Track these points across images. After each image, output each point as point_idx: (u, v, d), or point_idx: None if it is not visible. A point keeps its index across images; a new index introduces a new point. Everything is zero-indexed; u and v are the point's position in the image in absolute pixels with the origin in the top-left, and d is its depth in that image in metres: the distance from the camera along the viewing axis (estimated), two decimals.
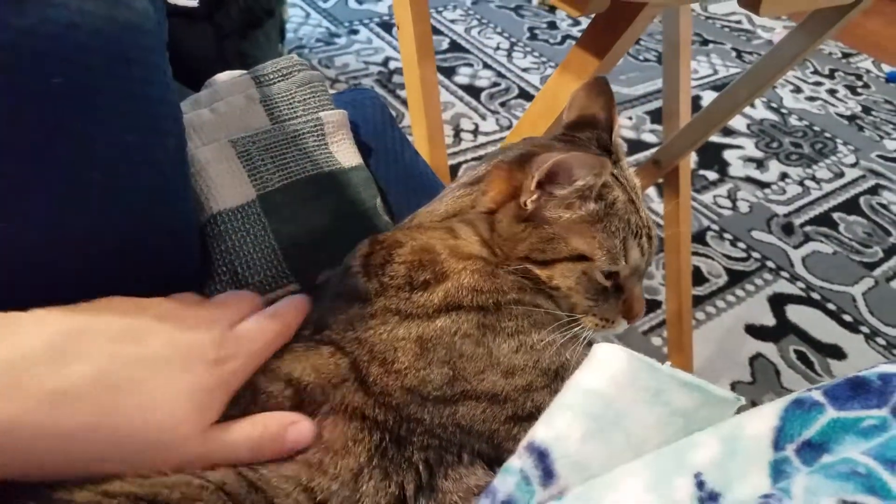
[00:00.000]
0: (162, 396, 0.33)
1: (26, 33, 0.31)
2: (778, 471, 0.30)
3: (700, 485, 0.31)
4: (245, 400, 0.37)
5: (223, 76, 0.57)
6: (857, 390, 0.31)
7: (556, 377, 0.42)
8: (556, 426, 0.38)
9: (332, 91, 0.60)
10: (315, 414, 0.38)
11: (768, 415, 0.32)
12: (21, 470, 0.29)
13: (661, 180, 1.03)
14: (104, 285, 0.36)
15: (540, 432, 0.38)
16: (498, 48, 2.08)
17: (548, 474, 0.37)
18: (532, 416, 0.40)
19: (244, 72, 0.58)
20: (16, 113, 0.32)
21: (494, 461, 0.40)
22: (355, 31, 2.04)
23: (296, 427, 0.36)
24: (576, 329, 0.45)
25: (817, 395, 0.32)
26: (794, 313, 1.37)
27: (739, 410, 0.41)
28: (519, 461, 0.38)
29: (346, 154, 0.55)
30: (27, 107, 0.32)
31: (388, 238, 0.46)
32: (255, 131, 0.54)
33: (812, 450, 0.30)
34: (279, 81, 0.57)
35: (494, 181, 0.47)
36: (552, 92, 0.63)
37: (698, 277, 1.41)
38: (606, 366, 0.40)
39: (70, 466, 0.30)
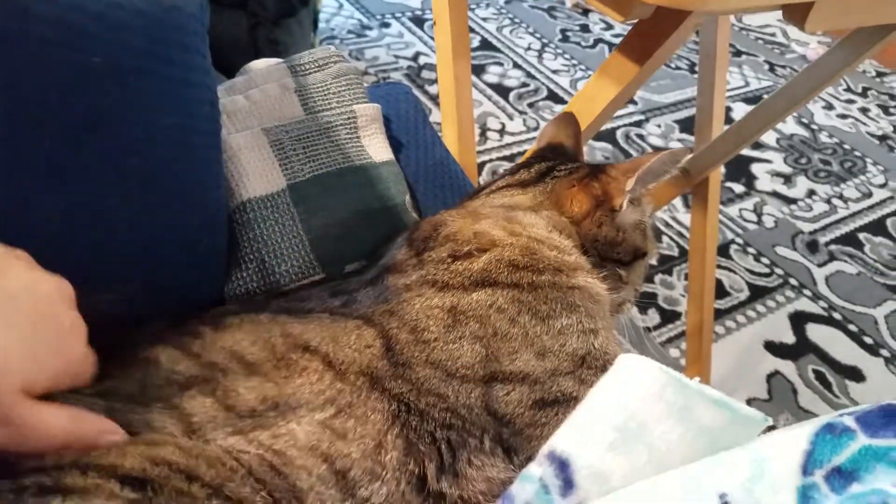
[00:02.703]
0: None
1: (71, 8, 0.31)
2: (806, 496, 0.30)
3: None
4: (268, 365, 0.37)
5: (259, 63, 0.57)
6: (890, 418, 0.31)
7: (583, 364, 0.42)
8: (578, 436, 0.38)
9: (365, 84, 0.60)
10: (339, 379, 0.37)
11: (798, 438, 0.32)
12: None
13: (688, 191, 1.02)
14: (136, 267, 0.36)
15: (562, 441, 0.38)
16: (529, 48, 2.07)
17: (568, 484, 0.37)
18: (557, 402, 0.40)
19: (280, 60, 0.58)
20: (55, 91, 0.32)
21: (513, 451, 0.40)
22: (387, 25, 2.03)
23: (109, 439, 0.33)
24: (617, 315, 0.49)
25: (849, 421, 0.31)
26: (815, 332, 1.35)
27: (766, 430, 0.41)
28: (539, 469, 0.38)
29: (377, 148, 0.55)
30: (66, 86, 0.32)
31: (434, 217, 0.47)
32: (289, 121, 0.54)
33: (841, 477, 0.30)
34: (315, 72, 0.56)
35: (578, 195, 0.52)
36: (588, 95, 0.62)
37: (720, 291, 1.39)
38: (633, 377, 0.39)
39: None
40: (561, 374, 0.41)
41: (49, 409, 0.31)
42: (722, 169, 1.68)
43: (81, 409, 0.33)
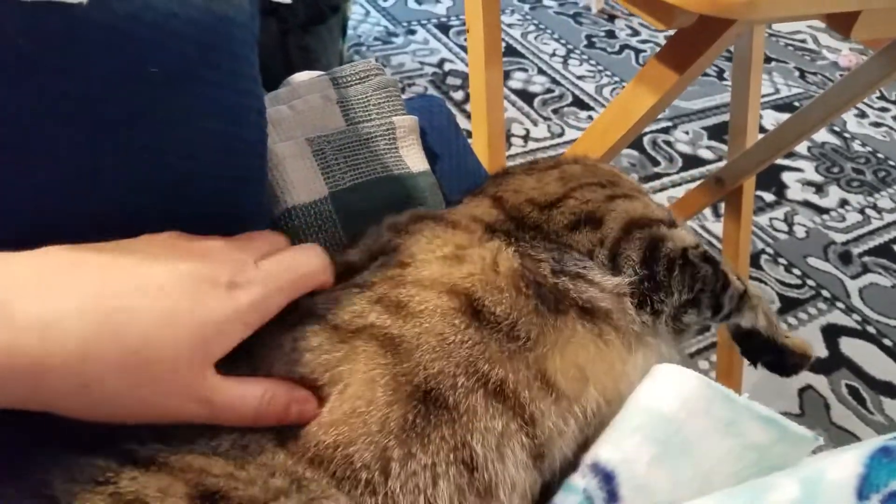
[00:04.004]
0: (158, 324, 0.30)
1: (129, 18, 0.31)
2: None
3: None
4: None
5: (301, 76, 0.58)
6: None
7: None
8: (623, 448, 0.37)
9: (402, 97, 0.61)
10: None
11: (852, 461, 0.31)
12: (39, 404, 0.29)
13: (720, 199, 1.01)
14: None
15: (606, 452, 0.37)
16: (554, 54, 2.06)
17: (612, 497, 0.36)
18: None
19: (322, 73, 0.58)
20: (103, 96, 0.32)
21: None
22: (413, 32, 2.04)
23: (300, 407, 0.34)
24: None
25: None
26: (848, 346, 1.32)
27: (816, 451, 0.40)
28: (583, 480, 0.37)
29: (414, 159, 0.55)
30: (114, 89, 0.33)
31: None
32: (331, 131, 0.55)
33: None
34: (356, 84, 0.57)
35: None
36: (625, 102, 0.61)
37: None
38: (677, 389, 0.39)
39: (78, 402, 0.29)
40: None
41: (244, 385, 0.32)
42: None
43: (274, 380, 0.34)
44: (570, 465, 0.38)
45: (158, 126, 0.34)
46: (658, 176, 1.66)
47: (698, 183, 1.23)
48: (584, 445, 0.39)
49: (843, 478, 0.30)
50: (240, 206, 0.42)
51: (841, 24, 0.55)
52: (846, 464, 0.31)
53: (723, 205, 1.05)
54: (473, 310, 0.38)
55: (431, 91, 1.80)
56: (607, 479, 0.36)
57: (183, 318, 0.31)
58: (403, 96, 0.61)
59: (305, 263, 0.38)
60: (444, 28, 2.08)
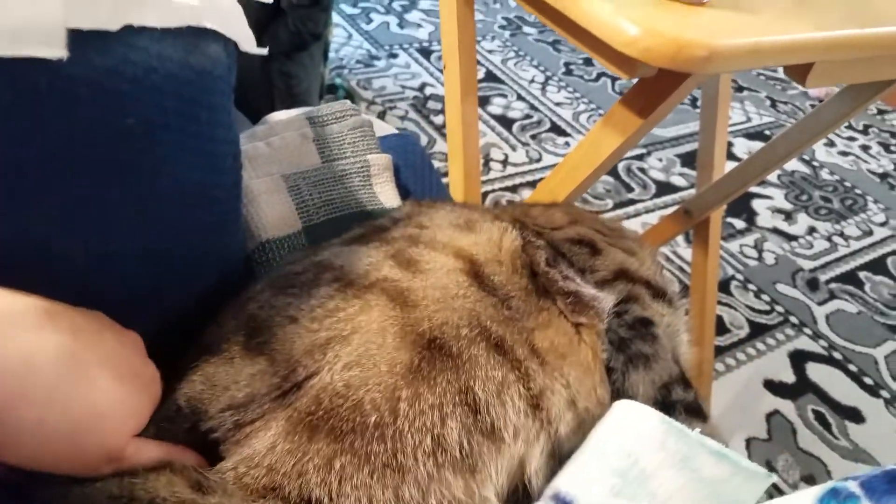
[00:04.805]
0: (95, 392, 0.32)
1: (108, 73, 0.33)
2: None
3: None
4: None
5: (279, 115, 0.60)
6: (893, 483, 0.31)
7: None
8: (582, 478, 0.39)
9: (379, 134, 0.63)
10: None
11: (804, 501, 0.33)
12: None
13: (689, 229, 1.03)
14: (147, 306, 0.37)
15: (566, 484, 0.39)
16: (533, 81, 2.10)
17: None
18: None
19: (300, 111, 0.60)
20: (82, 146, 0.33)
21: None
22: (395, 55, 2.07)
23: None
24: None
25: (853, 486, 0.32)
26: (815, 371, 1.36)
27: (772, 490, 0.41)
28: None
29: (388, 195, 0.57)
30: (96, 142, 0.34)
31: None
32: (307, 168, 0.57)
33: None
34: (332, 123, 0.59)
35: None
36: (593, 141, 0.64)
37: (720, 327, 1.40)
38: (634, 425, 0.40)
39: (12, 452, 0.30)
40: None
41: (149, 446, 0.35)
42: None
43: (170, 444, 0.36)
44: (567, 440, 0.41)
45: (137, 177, 0.35)
46: (632, 202, 1.69)
47: (671, 210, 1.26)
48: (578, 427, 0.42)
49: None
50: (215, 245, 0.43)
51: (797, 73, 0.58)
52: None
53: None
54: (475, 273, 0.42)
55: (412, 114, 1.82)
56: None
57: (117, 391, 0.33)
58: (384, 124, 0.63)
59: None
60: (426, 52, 2.11)
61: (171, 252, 0.39)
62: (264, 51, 0.40)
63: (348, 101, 0.62)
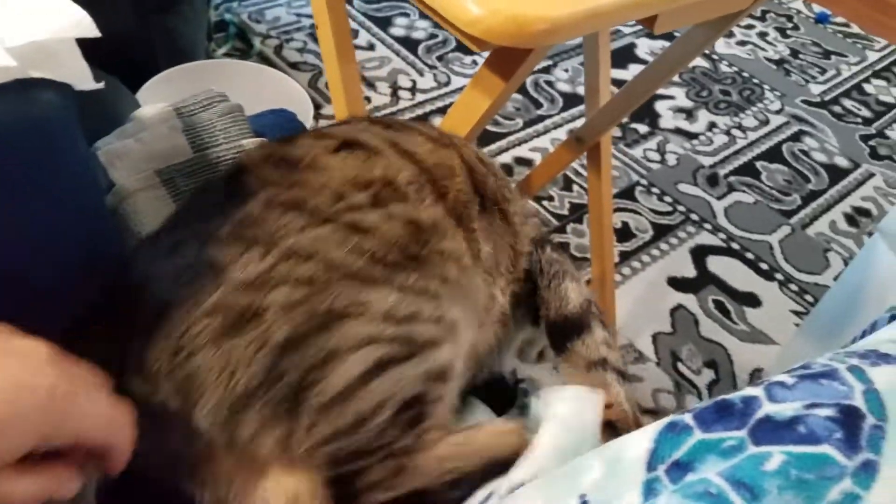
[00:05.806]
0: None
1: None
2: (649, 489, 0.32)
3: None
4: None
5: (146, 110, 0.60)
6: (721, 413, 0.34)
7: None
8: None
9: (253, 112, 0.63)
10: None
11: (644, 437, 0.35)
12: None
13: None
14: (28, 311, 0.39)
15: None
16: None
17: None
18: None
19: (167, 104, 0.60)
20: None
21: None
22: None
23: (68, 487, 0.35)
24: None
25: (688, 419, 0.35)
26: (715, 264, 1.46)
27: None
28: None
29: None
30: None
31: None
32: (180, 160, 0.58)
33: (680, 469, 0.32)
34: (200, 112, 0.60)
35: None
36: (465, 105, 0.66)
37: (625, 233, 1.48)
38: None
39: None
40: None
41: (24, 479, 0.32)
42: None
43: (55, 466, 0.34)
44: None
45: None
46: (541, 119, 1.72)
47: (579, 123, 1.29)
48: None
49: (637, 454, 0.34)
50: (89, 260, 0.45)
51: (646, 23, 0.61)
52: (640, 440, 0.35)
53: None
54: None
55: (311, 45, 1.77)
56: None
57: None
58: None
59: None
60: None
61: (40, 279, 0.41)
62: (101, 85, 0.40)
63: (214, 88, 0.62)
